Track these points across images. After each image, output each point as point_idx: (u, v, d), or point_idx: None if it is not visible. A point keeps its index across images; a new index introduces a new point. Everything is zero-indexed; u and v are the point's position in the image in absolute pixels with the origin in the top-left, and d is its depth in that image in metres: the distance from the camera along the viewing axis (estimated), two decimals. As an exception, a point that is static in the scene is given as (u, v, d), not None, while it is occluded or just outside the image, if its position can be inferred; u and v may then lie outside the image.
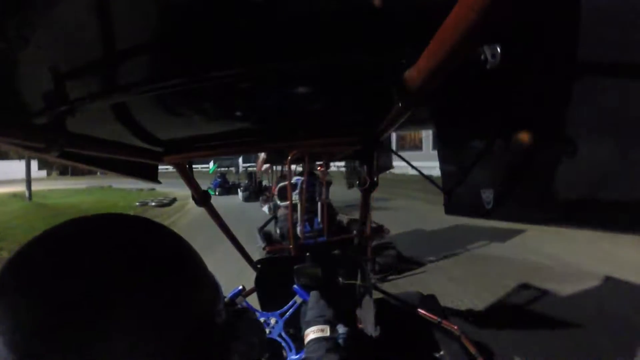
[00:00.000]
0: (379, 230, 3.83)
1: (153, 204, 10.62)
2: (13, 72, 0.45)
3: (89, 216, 0.32)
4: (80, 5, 0.35)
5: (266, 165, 9.10)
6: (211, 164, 12.13)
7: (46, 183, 19.15)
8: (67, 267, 0.26)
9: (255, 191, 10.58)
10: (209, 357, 0.30)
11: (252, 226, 4.17)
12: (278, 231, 3.56)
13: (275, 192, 4.11)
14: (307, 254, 1.19)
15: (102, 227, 0.31)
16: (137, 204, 10.76)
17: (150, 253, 0.30)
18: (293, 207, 3.18)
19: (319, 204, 3.35)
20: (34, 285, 0.25)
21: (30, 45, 0.38)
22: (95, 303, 0.25)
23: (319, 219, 3.33)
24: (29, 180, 12.01)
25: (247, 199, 10.46)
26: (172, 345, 0.27)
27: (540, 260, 3.90)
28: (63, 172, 30.03)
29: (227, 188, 12.05)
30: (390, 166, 3.80)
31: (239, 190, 11.39)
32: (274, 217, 4.00)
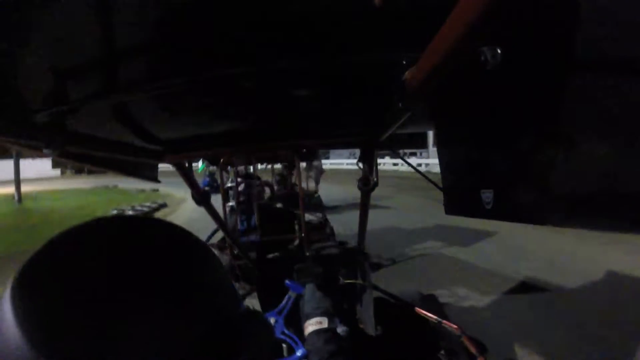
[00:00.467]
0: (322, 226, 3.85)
1: (130, 212, 9.16)
2: (14, 71, 0.45)
3: (113, 217, 0.32)
4: (80, 5, 0.35)
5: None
6: (200, 163, 12.08)
7: (56, 183, 18.24)
8: (85, 267, 0.26)
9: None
10: (223, 358, 0.30)
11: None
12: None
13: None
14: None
15: (123, 229, 0.31)
16: (114, 211, 9.36)
17: (171, 254, 0.30)
18: (234, 208, 3.58)
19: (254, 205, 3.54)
20: (54, 282, 0.25)
21: (31, 45, 0.38)
22: (113, 301, 0.25)
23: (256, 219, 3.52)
24: (17, 182, 11.23)
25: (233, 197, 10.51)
26: (188, 345, 0.27)
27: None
28: (79, 170, 29.27)
29: (215, 187, 12.12)
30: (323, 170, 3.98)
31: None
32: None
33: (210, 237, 3.60)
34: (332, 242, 3.97)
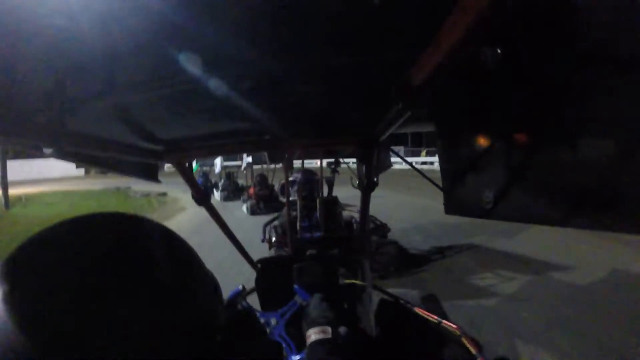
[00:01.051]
0: (379, 228, 3.86)
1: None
2: (14, 71, 0.45)
3: (93, 214, 0.32)
4: (80, 5, 0.35)
5: (245, 164, 9.35)
6: (194, 163, 12.17)
7: (75, 183, 17.02)
8: (68, 259, 0.26)
9: (233, 191, 10.77)
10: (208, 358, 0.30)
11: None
12: (280, 228, 3.73)
13: (278, 190, 4.42)
14: (307, 252, 1.20)
15: (101, 225, 0.31)
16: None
17: (148, 251, 0.30)
18: (294, 203, 3.45)
19: (317, 200, 3.50)
20: (39, 268, 0.26)
21: (31, 45, 0.38)
22: (91, 303, 0.25)
23: (318, 215, 3.47)
24: (5, 185, 9.90)
25: (225, 198, 10.59)
26: (168, 346, 0.27)
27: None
28: (103, 170, 28.06)
29: (209, 187, 12.24)
30: (390, 165, 3.96)
31: (214, 189, 11.40)
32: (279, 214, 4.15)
33: (265, 233, 3.57)
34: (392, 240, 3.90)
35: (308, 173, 3.89)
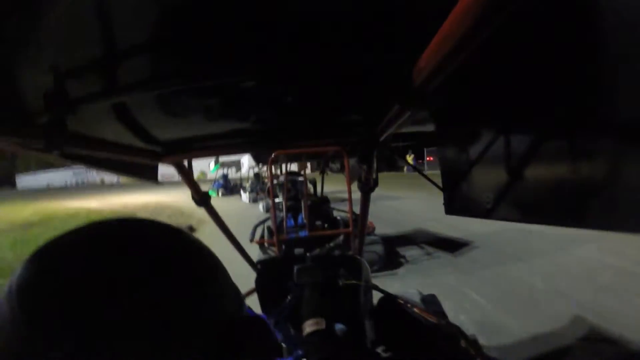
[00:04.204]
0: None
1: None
2: (13, 71, 0.45)
3: (116, 219, 0.32)
4: (80, 4, 0.35)
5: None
6: (212, 164, 11.71)
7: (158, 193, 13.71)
8: (84, 263, 0.27)
9: (261, 191, 10.56)
10: None
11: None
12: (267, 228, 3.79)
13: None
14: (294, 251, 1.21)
15: (125, 230, 0.31)
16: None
17: (174, 258, 0.30)
18: (280, 204, 3.62)
19: (302, 201, 3.55)
20: (56, 272, 0.26)
21: (30, 45, 0.38)
22: (115, 305, 0.25)
23: (304, 215, 3.53)
24: None
25: (255, 200, 10.26)
26: (189, 353, 0.27)
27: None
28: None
29: (229, 189, 11.96)
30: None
31: (241, 191, 11.12)
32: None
33: (253, 234, 3.58)
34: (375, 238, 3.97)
35: (292, 175, 3.98)
